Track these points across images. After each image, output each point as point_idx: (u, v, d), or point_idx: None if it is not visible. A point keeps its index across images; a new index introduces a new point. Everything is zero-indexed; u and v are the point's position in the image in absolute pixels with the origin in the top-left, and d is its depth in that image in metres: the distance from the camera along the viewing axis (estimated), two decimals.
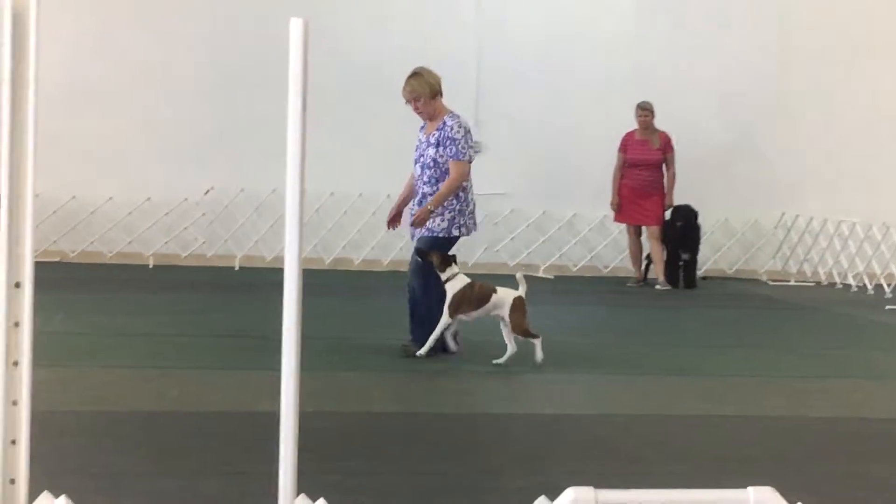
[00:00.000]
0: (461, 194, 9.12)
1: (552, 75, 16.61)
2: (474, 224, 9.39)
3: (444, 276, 8.86)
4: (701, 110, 16.76)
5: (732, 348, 10.49)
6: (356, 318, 11.48)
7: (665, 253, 15.41)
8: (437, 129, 9.08)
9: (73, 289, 11.98)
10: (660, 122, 15.45)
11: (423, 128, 9.33)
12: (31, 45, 3.11)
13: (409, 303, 9.22)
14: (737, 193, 16.93)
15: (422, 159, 9.17)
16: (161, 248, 15.83)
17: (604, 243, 16.72)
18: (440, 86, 9.16)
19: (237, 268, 15.57)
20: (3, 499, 3.17)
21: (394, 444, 6.32)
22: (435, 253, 8.90)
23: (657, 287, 15.20)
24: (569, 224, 16.74)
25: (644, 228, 15.60)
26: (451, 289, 8.83)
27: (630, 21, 16.84)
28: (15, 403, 3.10)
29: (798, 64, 17.11)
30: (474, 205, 9.37)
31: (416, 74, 9.12)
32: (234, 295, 12.28)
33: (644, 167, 15.39)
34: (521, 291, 8.79)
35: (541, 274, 16.36)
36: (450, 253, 9.06)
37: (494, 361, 8.67)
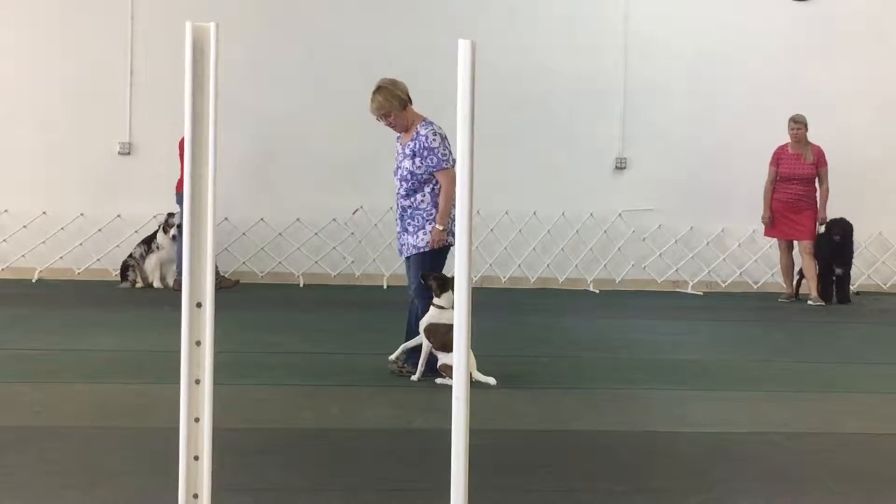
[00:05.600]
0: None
1: (701, 89, 16.45)
2: None
3: (440, 303, 8.32)
4: (853, 123, 16.44)
5: (892, 365, 10.23)
6: (517, 334, 11.49)
7: (817, 268, 15.16)
8: (412, 140, 8.62)
9: (227, 308, 12.20)
10: (812, 136, 15.19)
11: (399, 138, 8.88)
12: (210, 72, 3.20)
13: (408, 323, 8.88)
14: (891, 207, 16.56)
15: (399, 171, 8.77)
16: (311, 267, 16.07)
17: (753, 258, 16.50)
18: (408, 94, 8.65)
19: (385, 286, 15.71)
20: None
21: (548, 461, 6.31)
22: (434, 277, 8.42)
23: (809, 302, 14.94)
24: (717, 239, 16.56)
25: (796, 243, 15.37)
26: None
27: (782, 34, 16.58)
28: (197, 420, 3.19)
29: None
30: None
31: (381, 89, 8.61)
32: (384, 313, 12.35)
33: (797, 181, 15.14)
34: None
35: (690, 290, 16.21)
36: (443, 266, 8.59)
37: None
